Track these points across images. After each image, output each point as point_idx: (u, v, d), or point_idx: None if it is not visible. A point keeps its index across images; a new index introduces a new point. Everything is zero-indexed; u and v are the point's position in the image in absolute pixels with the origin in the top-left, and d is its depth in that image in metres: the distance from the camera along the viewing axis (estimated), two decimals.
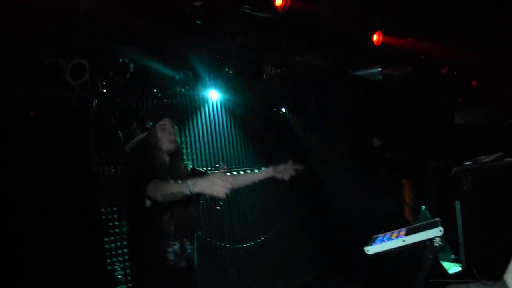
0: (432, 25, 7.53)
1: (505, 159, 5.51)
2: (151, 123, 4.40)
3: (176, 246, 4.17)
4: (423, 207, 3.69)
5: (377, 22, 7.39)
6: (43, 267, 5.07)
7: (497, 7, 7.08)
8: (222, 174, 3.61)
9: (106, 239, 5.81)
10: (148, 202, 4.01)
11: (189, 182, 3.65)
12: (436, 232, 3.01)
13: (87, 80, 5.72)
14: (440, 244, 3.00)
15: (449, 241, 5.72)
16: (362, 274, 7.17)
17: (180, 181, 3.80)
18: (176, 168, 4.37)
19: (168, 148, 4.36)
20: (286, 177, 4.62)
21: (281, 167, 4.65)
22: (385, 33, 7.50)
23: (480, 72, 9.88)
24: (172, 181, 3.90)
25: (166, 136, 4.37)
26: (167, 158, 4.37)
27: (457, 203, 5.49)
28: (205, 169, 4.65)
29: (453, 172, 5.57)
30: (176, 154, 4.43)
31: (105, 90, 5.98)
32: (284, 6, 6.00)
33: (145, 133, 4.39)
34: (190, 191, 3.64)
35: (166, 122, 4.42)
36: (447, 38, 8.00)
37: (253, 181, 4.82)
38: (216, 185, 3.53)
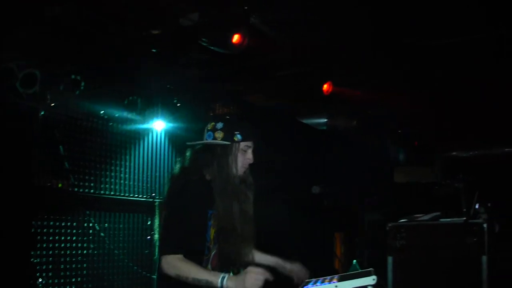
0: (383, 80, 7.67)
1: (441, 219, 5.63)
2: (240, 137, 3.55)
3: None
4: (355, 260, 3.71)
5: (329, 72, 7.49)
6: None
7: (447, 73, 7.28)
8: (258, 271, 3.19)
9: (32, 253, 5.65)
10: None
11: (225, 275, 3.20)
12: (369, 281, 2.96)
13: (36, 90, 5.64)
14: None
15: None
16: None
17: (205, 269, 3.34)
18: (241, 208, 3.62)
19: (240, 173, 3.60)
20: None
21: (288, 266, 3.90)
22: (335, 84, 7.59)
23: (424, 132, 10.11)
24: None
25: (243, 161, 3.59)
26: (237, 185, 3.60)
27: (389, 259, 5.55)
28: None
29: (388, 228, 5.63)
30: (246, 190, 3.70)
31: (53, 104, 5.91)
32: (241, 43, 6.02)
33: (216, 144, 3.53)
34: (221, 285, 3.17)
35: (251, 146, 3.63)
36: (395, 94, 8.18)
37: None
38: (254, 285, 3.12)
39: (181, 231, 3.31)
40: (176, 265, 3.27)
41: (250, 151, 3.60)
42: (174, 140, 7.63)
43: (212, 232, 3.53)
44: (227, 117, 3.61)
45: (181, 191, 3.41)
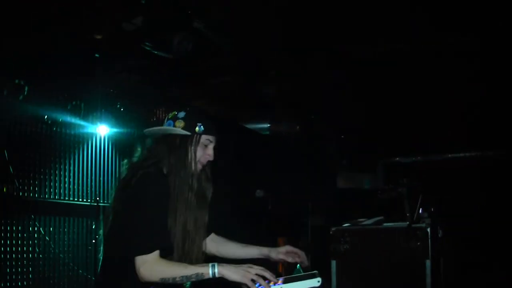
0: (325, 85, 7.77)
1: (384, 224, 5.65)
2: (202, 128, 3.27)
3: None
4: (298, 265, 3.69)
5: (273, 74, 7.54)
6: None
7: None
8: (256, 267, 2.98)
9: None
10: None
11: (215, 264, 2.99)
12: (314, 283, 2.97)
13: None
14: None
15: None
16: None
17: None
18: (198, 205, 3.35)
19: (198, 168, 3.30)
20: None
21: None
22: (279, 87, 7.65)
23: (366, 137, 10.24)
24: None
25: (203, 155, 3.30)
26: (195, 183, 3.31)
27: (333, 263, 5.58)
28: None
29: (331, 232, 5.68)
30: (204, 190, 3.41)
31: None
32: (185, 48, 6.07)
33: (174, 135, 3.25)
34: (213, 275, 2.97)
35: (213, 141, 3.34)
36: (338, 99, 8.29)
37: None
38: (249, 274, 2.94)
39: (153, 228, 3.03)
40: (158, 268, 2.99)
41: (211, 146, 3.30)
42: (118, 145, 7.62)
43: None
44: (190, 108, 3.30)
45: (141, 186, 3.08)
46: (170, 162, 3.22)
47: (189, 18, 6.17)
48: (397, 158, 9.88)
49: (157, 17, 5.92)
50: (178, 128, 3.22)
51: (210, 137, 3.29)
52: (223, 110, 8.53)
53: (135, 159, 3.29)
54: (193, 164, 3.24)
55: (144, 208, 3.04)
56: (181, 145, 3.23)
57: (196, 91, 7.89)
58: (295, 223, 9.15)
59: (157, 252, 3.00)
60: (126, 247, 3.03)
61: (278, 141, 9.45)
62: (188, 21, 6.17)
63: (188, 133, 3.22)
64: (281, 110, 8.48)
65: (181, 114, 3.25)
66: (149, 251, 2.97)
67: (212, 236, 3.70)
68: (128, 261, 3.00)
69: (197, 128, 3.22)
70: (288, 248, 3.53)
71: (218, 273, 2.94)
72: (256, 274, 2.93)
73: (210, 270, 2.95)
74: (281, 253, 3.53)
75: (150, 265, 2.98)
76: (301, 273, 3.39)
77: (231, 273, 2.94)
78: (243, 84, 7.54)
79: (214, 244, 3.69)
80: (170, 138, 3.24)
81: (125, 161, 3.33)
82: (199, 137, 3.24)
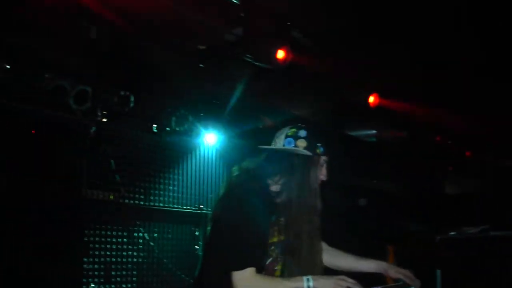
0: (430, 92, 7.60)
1: (491, 232, 5.53)
2: (322, 150, 3.27)
3: None
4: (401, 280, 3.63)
5: (374, 84, 7.44)
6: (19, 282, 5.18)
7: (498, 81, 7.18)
8: (349, 280, 2.99)
9: (85, 259, 5.91)
10: None
11: (310, 278, 2.99)
12: None
13: (88, 107, 5.89)
14: None
15: None
16: None
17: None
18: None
19: (317, 185, 3.28)
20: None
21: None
22: (381, 95, 7.55)
23: (474, 143, 9.93)
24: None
25: (319, 176, 3.30)
26: (318, 204, 3.29)
27: (438, 272, 5.47)
28: None
29: (437, 241, 5.57)
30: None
31: (104, 119, 6.16)
32: (285, 59, 6.10)
33: (296, 152, 3.22)
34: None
35: (327, 161, 3.35)
36: (444, 106, 8.09)
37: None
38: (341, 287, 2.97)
39: (251, 243, 3.03)
40: (256, 285, 3.03)
41: (325, 166, 3.31)
42: (223, 154, 7.77)
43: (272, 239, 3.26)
44: (308, 126, 3.30)
45: (244, 200, 3.07)
46: (291, 181, 3.21)
47: (289, 29, 6.22)
48: (509, 163, 9.47)
49: (256, 28, 5.98)
50: (300, 148, 3.20)
51: (326, 158, 3.30)
52: (327, 118, 8.48)
53: (240, 171, 3.29)
54: (314, 183, 3.24)
55: (242, 223, 3.04)
56: (302, 164, 3.21)
57: (298, 99, 7.87)
58: (401, 231, 9.00)
59: (253, 269, 3.01)
60: (223, 260, 3.06)
61: (384, 147, 9.31)
62: (288, 31, 6.22)
63: (310, 154, 3.21)
64: (386, 117, 8.32)
65: (303, 133, 3.24)
66: (244, 267, 2.99)
67: (324, 246, 3.65)
68: (225, 275, 3.02)
69: (318, 150, 3.23)
70: (408, 273, 3.39)
71: (313, 286, 2.97)
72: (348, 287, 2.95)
73: (305, 284, 2.97)
74: (400, 273, 3.40)
75: (248, 282, 3.00)
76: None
77: (324, 285, 2.98)
78: (345, 91, 7.47)
79: (328, 256, 3.66)
80: (290, 156, 3.22)
81: (234, 168, 3.33)
82: (319, 158, 3.26)
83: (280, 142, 3.25)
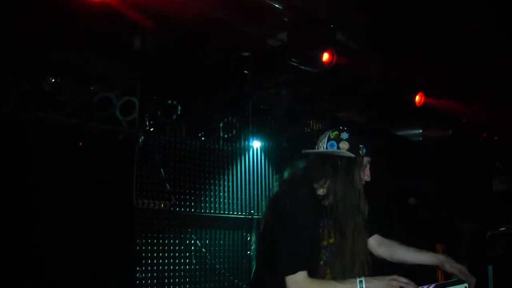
0: (473, 88, 7.53)
1: None
2: (365, 151, 3.28)
3: None
4: (455, 276, 3.60)
5: (419, 83, 7.40)
6: None
7: None
8: (402, 279, 2.98)
9: (138, 269, 5.95)
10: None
11: (363, 280, 2.99)
12: None
13: (135, 117, 5.97)
14: None
15: None
16: None
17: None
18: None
19: (361, 186, 3.30)
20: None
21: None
22: (426, 94, 7.51)
23: None
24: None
25: (363, 177, 3.31)
26: (363, 205, 3.34)
27: (490, 268, 5.44)
28: None
29: (487, 237, 5.53)
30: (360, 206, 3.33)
31: (151, 129, 6.23)
32: (330, 61, 6.09)
33: (339, 155, 3.25)
34: None
35: (370, 162, 3.36)
36: (488, 102, 8.00)
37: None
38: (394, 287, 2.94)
39: (303, 247, 3.04)
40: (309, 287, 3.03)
41: (368, 167, 3.31)
42: (271, 158, 7.74)
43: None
44: (350, 128, 3.29)
45: (294, 205, 3.07)
46: (336, 183, 3.22)
47: (334, 31, 6.21)
48: None
49: (300, 32, 6.00)
50: (343, 150, 3.21)
51: (369, 159, 3.30)
52: (373, 118, 8.45)
53: (287, 176, 3.31)
54: (358, 184, 3.25)
55: (294, 227, 3.05)
56: (347, 166, 3.22)
57: (344, 101, 7.86)
58: (450, 229, 8.90)
59: (306, 272, 3.01)
60: (275, 265, 3.08)
61: (430, 146, 9.23)
62: (333, 34, 6.21)
63: (353, 155, 3.22)
64: (431, 116, 8.26)
65: (345, 135, 3.25)
66: (297, 271, 2.99)
67: (379, 239, 3.70)
68: (277, 280, 3.03)
69: (360, 151, 3.23)
70: (463, 269, 3.32)
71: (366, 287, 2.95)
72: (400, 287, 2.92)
73: (358, 286, 2.96)
74: (456, 268, 3.36)
75: (301, 285, 3.00)
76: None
77: (377, 287, 2.96)
78: (391, 91, 7.43)
79: (385, 248, 3.68)
80: (334, 158, 3.24)
81: (277, 176, 3.36)
82: (362, 159, 3.26)
83: (323, 145, 3.27)
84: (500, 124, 9.06)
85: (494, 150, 9.86)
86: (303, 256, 3.04)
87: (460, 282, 3.08)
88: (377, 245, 3.67)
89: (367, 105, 8.02)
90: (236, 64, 6.52)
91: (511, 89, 7.50)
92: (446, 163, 9.19)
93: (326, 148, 3.24)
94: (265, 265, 3.23)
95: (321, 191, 3.25)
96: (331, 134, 3.27)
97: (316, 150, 3.31)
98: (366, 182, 3.33)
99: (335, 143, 3.23)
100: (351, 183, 3.21)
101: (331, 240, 3.27)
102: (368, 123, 8.55)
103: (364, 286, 2.95)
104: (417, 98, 7.45)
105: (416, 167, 8.89)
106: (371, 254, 3.54)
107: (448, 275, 3.40)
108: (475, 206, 8.90)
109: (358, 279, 2.98)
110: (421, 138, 9.02)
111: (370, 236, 3.62)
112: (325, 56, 6.05)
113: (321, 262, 3.21)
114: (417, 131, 8.96)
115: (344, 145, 3.21)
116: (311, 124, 8.31)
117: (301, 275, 2.99)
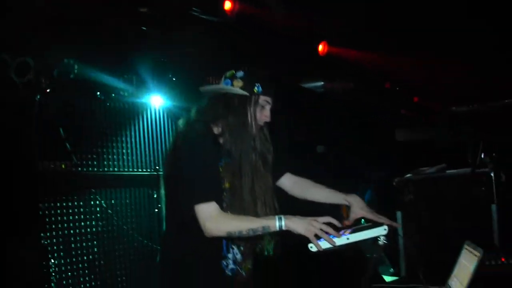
0: (379, 38, 7.59)
1: (447, 171, 5.64)
2: (260, 89, 3.21)
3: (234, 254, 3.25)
4: (363, 220, 3.62)
5: (323, 32, 7.38)
6: None
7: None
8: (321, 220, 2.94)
9: (42, 235, 5.73)
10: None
11: (282, 217, 2.93)
12: (381, 231, 2.96)
13: (31, 79, 5.70)
14: (384, 242, 2.99)
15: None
16: None
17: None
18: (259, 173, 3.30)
19: (256, 129, 3.25)
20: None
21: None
22: (330, 44, 7.50)
23: (423, 89, 10.05)
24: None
25: (260, 117, 3.25)
26: (257, 144, 3.29)
27: (398, 214, 5.58)
28: None
29: (394, 183, 5.66)
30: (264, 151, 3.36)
31: (48, 90, 5.96)
32: (232, 10, 5.98)
33: (231, 94, 3.21)
34: (280, 227, 2.92)
35: (270, 103, 3.28)
36: (392, 52, 8.11)
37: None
38: (312, 228, 2.88)
39: (209, 180, 3.02)
40: (224, 221, 2.97)
41: (268, 107, 3.26)
42: (172, 114, 7.66)
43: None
44: (249, 67, 3.25)
45: (192, 144, 3.05)
46: (229, 122, 3.19)
47: None
48: (454, 108, 9.70)
49: None
50: (236, 88, 3.19)
51: (268, 98, 3.25)
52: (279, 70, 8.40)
53: (185, 121, 3.26)
54: (253, 125, 3.21)
55: (199, 164, 3.03)
56: (240, 105, 3.19)
57: (249, 55, 7.75)
58: (357, 177, 9.07)
59: (218, 207, 2.99)
60: (184, 203, 3.03)
61: (333, 98, 9.33)
62: None
63: (246, 93, 3.19)
64: (334, 68, 8.30)
65: (240, 74, 3.21)
66: (208, 200, 2.97)
67: (292, 177, 3.68)
68: (192, 219, 2.99)
69: (255, 89, 3.19)
70: (372, 215, 3.28)
71: (285, 225, 2.92)
72: (321, 229, 2.88)
73: (277, 223, 2.92)
74: (365, 210, 3.33)
75: (215, 219, 2.96)
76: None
77: (296, 225, 2.91)
78: (295, 43, 7.37)
79: (297, 187, 3.65)
80: (227, 97, 3.21)
81: (179, 121, 3.29)
82: (258, 98, 3.21)
83: (219, 86, 3.27)
84: (402, 75, 9.25)
85: (397, 100, 10.10)
86: (212, 187, 3.04)
87: (378, 224, 3.07)
88: (291, 184, 3.64)
89: (272, 58, 7.92)
90: (134, 19, 6.29)
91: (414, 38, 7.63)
92: (350, 113, 9.34)
93: (222, 86, 3.24)
94: (176, 211, 3.19)
95: (216, 131, 3.21)
96: (227, 73, 3.26)
97: (208, 88, 3.35)
98: (268, 123, 3.32)
99: (229, 81, 3.21)
100: (244, 122, 3.19)
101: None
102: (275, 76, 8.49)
103: (283, 223, 2.91)
104: (320, 47, 7.42)
105: (322, 118, 8.99)
106: (285, 194, 3.57)
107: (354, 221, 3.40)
108: (383, 156, 9.12)
109: (277, 216, 2.95)
110: (323, 90, 9.08)
111: (279, 176, 3.61)
112: (227, 5, 5.92)
113: (224, 204, 3.13)
114: (319, 84, 9.01)
115: (238, 83, 3.19)
116: (211, 80, 8.18)
117: (214, 206, 2.98)
